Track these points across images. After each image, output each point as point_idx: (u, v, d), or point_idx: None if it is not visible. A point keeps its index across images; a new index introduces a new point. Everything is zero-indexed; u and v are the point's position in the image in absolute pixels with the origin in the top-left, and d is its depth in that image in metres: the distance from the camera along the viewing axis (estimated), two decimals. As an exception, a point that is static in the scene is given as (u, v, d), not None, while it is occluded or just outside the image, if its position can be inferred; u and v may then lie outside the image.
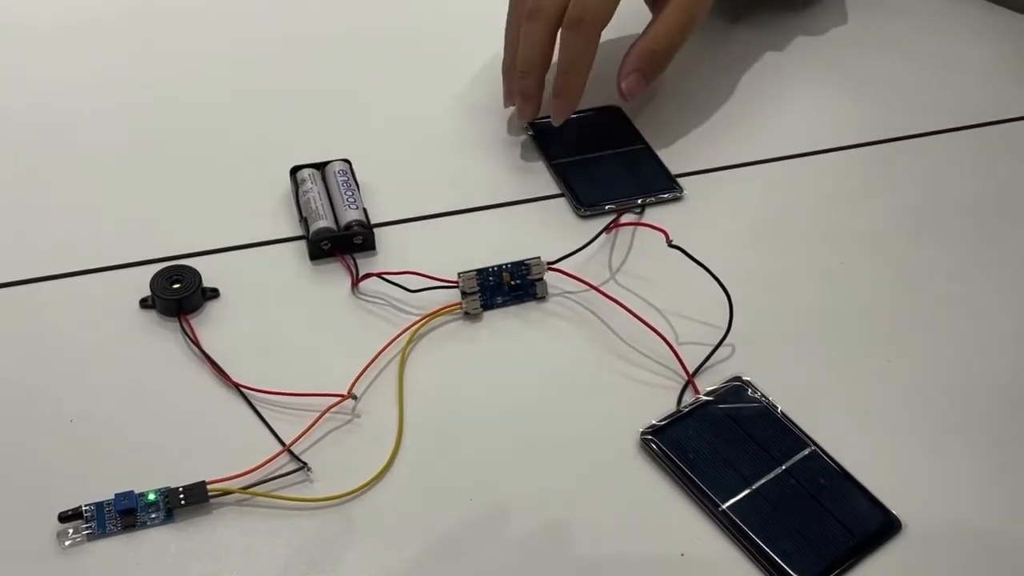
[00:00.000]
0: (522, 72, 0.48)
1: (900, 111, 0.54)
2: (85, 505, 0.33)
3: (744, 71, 0.57)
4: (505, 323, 0.41)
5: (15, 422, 0.37)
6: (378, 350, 0.39)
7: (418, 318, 0.41)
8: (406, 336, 0.40)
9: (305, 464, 0.35)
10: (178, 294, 0.40)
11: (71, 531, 0.33)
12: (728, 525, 0.34)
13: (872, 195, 0.49)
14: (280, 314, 0.41)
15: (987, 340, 0.41)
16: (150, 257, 0.43)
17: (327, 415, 0.37)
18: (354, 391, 0.38)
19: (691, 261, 0.41)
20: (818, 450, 0.37)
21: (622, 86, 0.49)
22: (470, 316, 0.41)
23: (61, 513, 0.33)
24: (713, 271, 0.41)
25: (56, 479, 0.35)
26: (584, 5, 0.45)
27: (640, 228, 0.45)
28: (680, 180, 0.48)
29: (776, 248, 0.46)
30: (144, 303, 0.41)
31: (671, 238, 0.42)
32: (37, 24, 0.59)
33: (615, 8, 0.46)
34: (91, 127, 0.51)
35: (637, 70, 0.49)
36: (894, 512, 0.35)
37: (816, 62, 0.58)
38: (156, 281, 0.41)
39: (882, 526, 0.34)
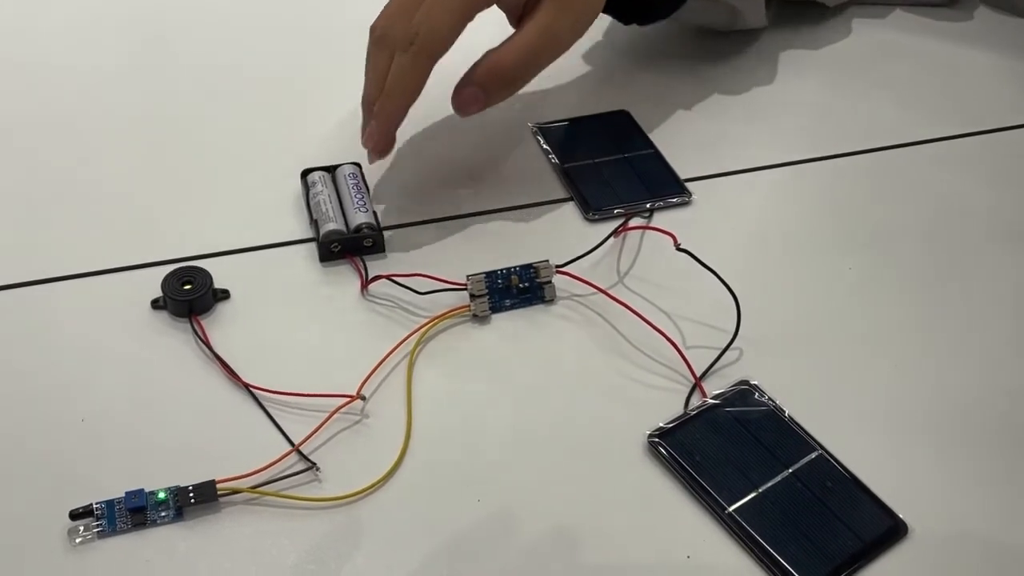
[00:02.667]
0: (367, 104, 0.44)
1: (910, 117, 0.54)
2: (96, 503, 0.34)
3: (753, 76, 0.57)
4: (513, 325, 0.42)
5: (27, 421, 0.37)
6: (387, 352, 0.39)
7: (427, 320, 0.41)
8: (415, 338, 0.40)
9: (314, 464, 0.35)
10: (189, 295, 0.41)
11: (82, 528, 0.33)
12: (734, 528, 0.34)
13: (881, 200, 0.49)
14: (290, 315, 0.42)
15: (996, 345, 0.41)
16: (161, 258, 0.44)
17: (336, 416, 0.37)
18: (363, 392, 0.38)
19: (699, 265, 0.42)
20: (825, 454, 0.37)
21: (455, 99, 0.44)
22: (478, 318, 0.42)
23: (72, 511, 0.33)
24: (721, 275, 0.41)
25: (67, 477, 0.35)
26: (417, 28, 0.42)
27: (648, 232, 0.46)
28: (689, 184, 0.49)
29: (784, 252, 0.46)
30: (155, 304, 0.41)
31: (679, 242, 0.42)
32: (50, 24, 0.59)
33: (453, 37, 0.43)
34: (103, 129, 0.52)
35: (478, 84, 0.44)
36: (901, 516, 0.35)
37: (826, 67, 0.58)
38: (167, 282, 0.41)
39: (889, 530, 0.34)
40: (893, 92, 0.56)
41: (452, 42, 0.43)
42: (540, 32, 0.44)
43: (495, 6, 0.45)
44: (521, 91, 0.54)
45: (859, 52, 0.60)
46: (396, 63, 0.43)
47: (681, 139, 0.52)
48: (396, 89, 0.43)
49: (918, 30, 0.62)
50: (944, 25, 0.62)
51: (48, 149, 0.50)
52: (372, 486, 0.35)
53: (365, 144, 0.45)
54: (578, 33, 0.46)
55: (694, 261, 0.42)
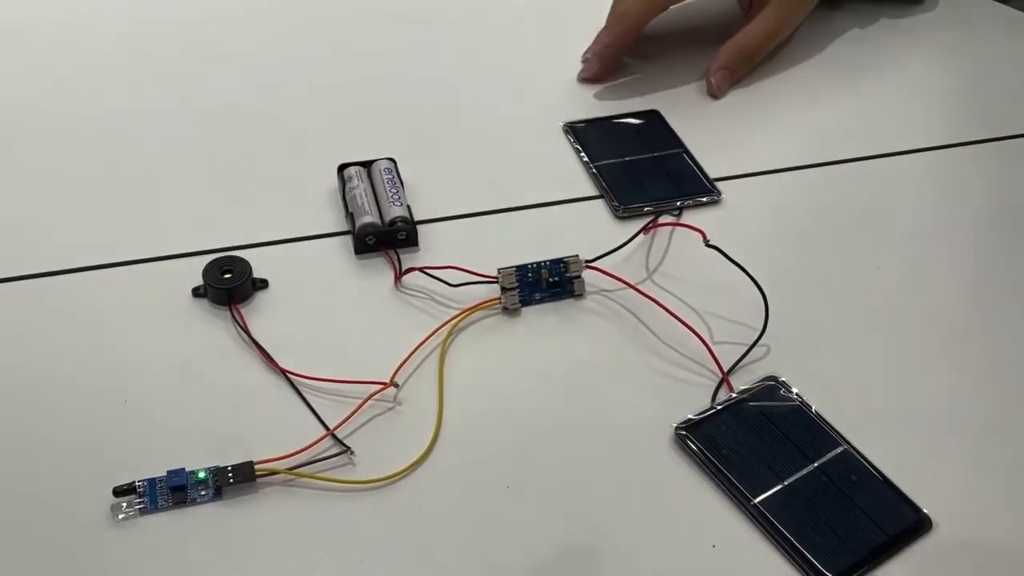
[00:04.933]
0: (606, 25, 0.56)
1: (941, 118, 0.54)
2: (139, 481, 0.35)
3: (784, 78, 0.57)
4: (543, 319, 0.42)
5: (74, 402, 0.38)
6: (419, 341, 0.40)
7: (458, 312, 0.42)
8: (446, 329, 0.41)
9: (348, 448, 0.36)
10: (229, 284, 0.42)
11: (124, 505, 0.35)
12: (760, 519, 0.35)
13: (908, 201, 0.49)
14: (326, 305, 0.43)
15: (1021, 344, 0.42)
16: (203, 248, 0.45)
17: (370, 402, 0.38)
18: (396, 380, 0.39)
19: (728, 262, 0.42)
20: (850, 449, 0.37)
21: (711, 80, 0.56)
22: (509, 311, 0.42)
23: (116, 488, 0.35)
24: (749, 272, 0.42)
25: (112, 456, 0.36)
26: None
27: (677, 230, 0.46)
28: (718, 184, 0.49)
29: (812, 251, 0.46)
30: (196, 292, 0.43)
31: (708, 238, 0.43)
32: (101, 26, 0.61)
33: None
34: (151, 126, 0.53)
35: (725, 67, 0.56)
36: (925, 511, 0.35)
37: (857, 68, 0.58)
38: (208, 271, 0.42)
39: (913, 524, 0.35)
40: (928, 93, 0.56)
41: None
42: (775, 20, 0.56)
43: None
44: (552, 90, 0.56)
45: (895, 53, 0.60)
46: None
47: (711, 139, 0.52)
48: (615, 20, 0.56)
49: (956, 30, 0.62)
50: (986, 24, 0.62)
51: (98, 146, 0.52)
52: (404, 470, 0.36)
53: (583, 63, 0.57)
54: (800, 21, 0.58)
55: (723, 258, 0.42)
